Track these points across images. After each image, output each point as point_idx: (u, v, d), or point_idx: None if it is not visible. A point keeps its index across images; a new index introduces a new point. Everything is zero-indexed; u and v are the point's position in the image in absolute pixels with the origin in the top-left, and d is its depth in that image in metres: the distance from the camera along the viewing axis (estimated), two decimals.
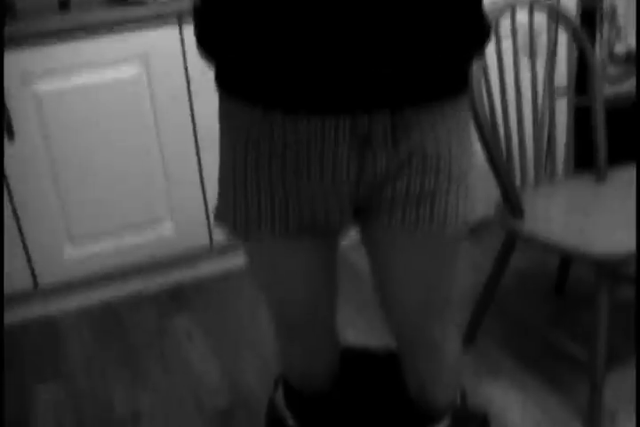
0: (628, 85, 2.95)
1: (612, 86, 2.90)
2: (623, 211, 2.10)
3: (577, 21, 2.23)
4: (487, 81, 2.06)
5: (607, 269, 1.98)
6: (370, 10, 1.14)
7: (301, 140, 1.26)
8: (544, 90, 2.31)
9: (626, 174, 2.30)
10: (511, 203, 2.07)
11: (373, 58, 1.17)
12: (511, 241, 2.20)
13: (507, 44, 2.13)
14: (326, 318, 1.63)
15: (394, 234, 1.38)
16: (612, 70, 2.85)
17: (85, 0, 2.61)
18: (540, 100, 2.30)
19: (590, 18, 2.79)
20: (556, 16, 2.20)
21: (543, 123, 2.32)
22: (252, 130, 1.30)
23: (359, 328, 2.45)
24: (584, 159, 2.35)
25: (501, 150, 2.08)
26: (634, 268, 2.29)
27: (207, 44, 1.29)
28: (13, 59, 2.23)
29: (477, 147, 1.91)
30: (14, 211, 2.41)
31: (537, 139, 2.25)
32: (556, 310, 2.54)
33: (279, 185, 1.32)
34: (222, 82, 1.32)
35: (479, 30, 1.31)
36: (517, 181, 2.19)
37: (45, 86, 2.32)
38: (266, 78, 1.23)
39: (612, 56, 2.81)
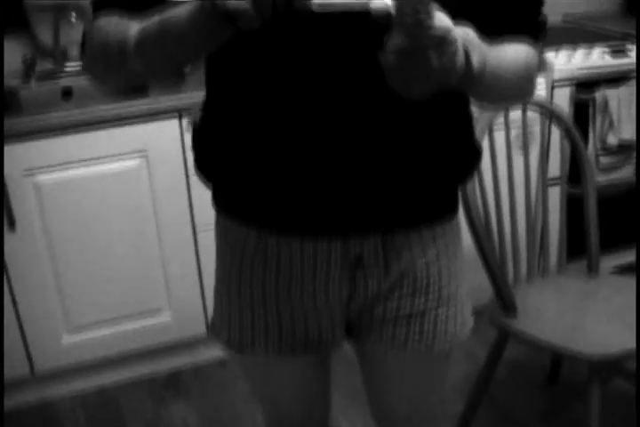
0: (621, 173, 2.99)
1: (605, 175, 2.93)
2: (616, 308, 2.12)
3: (569, 119, 2.28)
4: (479, 173, 2.10)
5: (600, 367, 2.00)
6: (362, 137, 1.18)
7: (295, 260, 1.29)
8: (537, 182, 2.35)
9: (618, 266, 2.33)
10: (504, 301, 2.09)
11: (365, 183, 1.21)
12: (504, 337, 2.22)
13: (499, 135, 2.18)
14: (321, 417, 1.65)
15: (384, 350, 1.40)
16: (605, 160, 2.90)
17: (87, 90, 2.68)
18: (533, 191, 2.35)
19: (584, 109, 2.84)
20: (548, 113, 2.25)
21: (537, 214, 2.35)
22: (247, 248, 1.33)
23: (350, 418, 2.45)
24: (578, 245, 2.37)
25: (494, 247, 2.11)
26: (632, 364, 2.30)
27: (204, 168, 1.34)
28: (16, 151, 2.27)
29: (468, 235, 1.96)
30: (13, 299, 2.43)
31: (530, 231, 2.28)
32: (550, 402, 2.55)
33: (272, 304, 1.35)
34: (219, 203, 1.36)
35: (470, 154, 1.35)
36: (510, 275, 2.22)
37: (46, 178, 2.36)
38: (260, 201, 1.27)
39: (604, 146, 2.86)
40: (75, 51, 2.77)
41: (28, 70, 2.71)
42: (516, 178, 2.24)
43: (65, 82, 2.74)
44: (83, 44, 1.24)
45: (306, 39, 1.09)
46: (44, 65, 2.78)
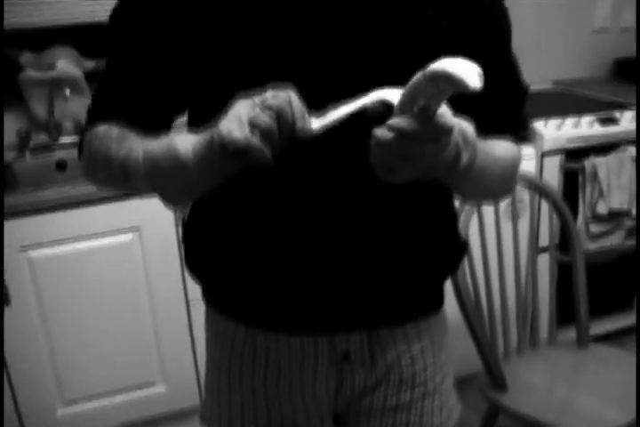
0: (611, 240, 3.01)
1: (596, 242, 2.95)
2: (606, 382, 2.13)
3: (557, 194, 2.31)
4: (468, 248, 2.12)
5: None
6: (347, 239, 1.20)
7: (283, 356, 1.31)
8: (527, 253, 2.37)
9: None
10: (494, 377, 2.10)
11: (350, 283, 1.23)
12: (495, 409, 2.22)
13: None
14: None
15: None
16: (596, 228, 2.92)
17: None
18: (522, 262, 2.36)
19: (574, 176, 2.87)
20: (537, 189, 2.27)
21: (527, 286, 2.37)
22: (237, 342, 1.35)
23: None
24: (570, 311, 2.38)
25: (484, 324, 2.13)
26: None
27: (193, 265, 1.36)
28: (10, 227, 2.29)
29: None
30: (7, 373, 2.43)
31: (520, 303, 2.30)
32: None
33: (262, 399, 1.36)
34: (208, 297, 1.38)
35: (454, 251, 1.37)
36: (501, 349, 2.24)
37: (40, 253, 2.37)
38: (247, 300, 1.29)
39: (595, 215, 2.88)
40: (69, 124, 2.81)
41: (23, 143, 2.74)
42: (505, 248, 2.26)
43: (59, 154, 2.77)
44: (80, 149, 1.26)
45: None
46: (39, 138, 2.81)
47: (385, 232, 1.22)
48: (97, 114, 1.25)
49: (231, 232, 1.26)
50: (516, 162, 1.28)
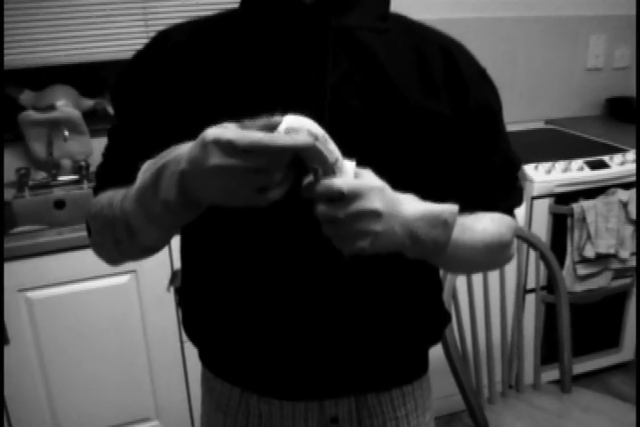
0: (598, 282, 3.06)
1: (583, 284, 3.00)
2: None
3: (545, 246, 2.35)
4: (455, 298, 2.16)
5: None
6: (334, 310, 1.26)
7: (275, 419, 1.37)
8: (514, 297, 2.41)
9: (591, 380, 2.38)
10: (477, 422, 2.14)
11: (337, 353, 1.29)
12: None
13: None
14: None
15: None
16: (583, 270, 2.97)
17: (79, 201, 2.76)
18: (509, 304, 2.41)
19: (562, 218, 2.92)
20: (525, 240, 2.32)
21: (514, 328, 2.41)
22: (231, 404, 1.41)
23: None
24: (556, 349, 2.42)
25: (470, 371, 2.17)
26: None
27: (190, 331, 1.41)
28: (9, 270, 2.33)
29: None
30: (6, 411, 2.47)
31: (505, 347, 2.34)
32: None
33: None
34: (204, 361, 1.44)
35: (438, 321, 1.42)
36: (485, 393, 2.28)
37: (38, 294, 2.42)
38: (242, 367, 1.36)
39: (582, 258, 2.93)
40: (67, 163, 2.86)
41: (22, 181, 2.78)
42: (491, 291, 2.30)
43: (58, 193, 2.82)
44: (88, 229, 1.32)
45: (277, 212, 1.13)
46: (38, 176, 2.86)
47: (369, 303, 1.27)
48: (98, 187, 1.32)
49: (222, 301, 1.31)
50: (506, 235, 1.31)
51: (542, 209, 2.93)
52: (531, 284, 2.91)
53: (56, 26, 2.82)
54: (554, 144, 3.35)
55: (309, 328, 1.26)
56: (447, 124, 1.23)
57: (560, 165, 2.95)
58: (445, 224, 1.10)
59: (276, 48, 1.20)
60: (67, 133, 2.76)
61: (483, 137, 1.28)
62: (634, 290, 3.27)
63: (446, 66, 1.25)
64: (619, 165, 3.02)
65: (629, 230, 3.02)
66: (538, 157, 3.02)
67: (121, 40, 2.93)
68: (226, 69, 1.21)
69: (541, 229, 2.95)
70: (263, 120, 0.96)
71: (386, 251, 1.05)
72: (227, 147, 0.93)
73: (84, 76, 2.98)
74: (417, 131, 1.21)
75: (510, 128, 3.38)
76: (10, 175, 2.83)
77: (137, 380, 2.64)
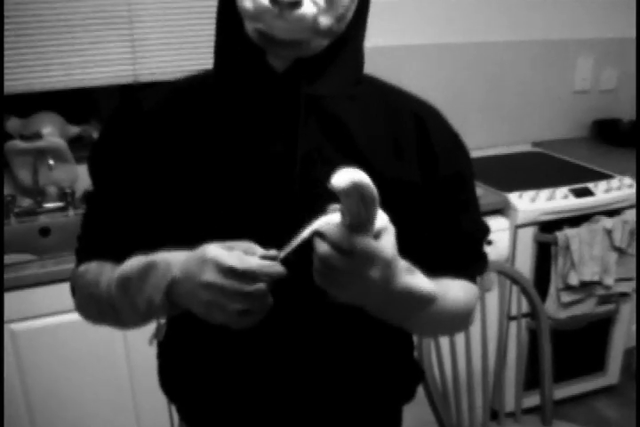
0: (582, 309, 3.07)
1: (567, 310, 3.02)
2: None
3: (527, 282, 2.36)
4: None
5: None
6: (306, 369, 1.28)
7: None
8: (497, 330, 2.42)
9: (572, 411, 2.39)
10: None
11: (310, 411, 1.31)
12: None
13: None
14: None
15: None
16: (567, 297, 2.98)
17: (65, 228, 2.77)
18: (491, 334, 2.42)
19: (547, 247, 2.93)
20: (507, 275, 2.33)
21: (499, 356, 2.42)
22: None
23: None
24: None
25: (450, 408, 2.19)
26: None
27: (166, 387, 1.43)
28: None
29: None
30: None
31: (486, 377, 2.35)
32: None
33: None
34: (181, 415, 1.45)
35: (411, 379, 1.44)
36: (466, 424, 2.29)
37: (21, 326, 2.42)
38: (216, 423, 1.36)
39: (566, 285, 2.94)
40: (53, 190, 2.87)
41: (8, 208, 2.79)
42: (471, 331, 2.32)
43: (43, 220, 2.82)
44: (72, 290, 1.35)
45: None
46: (24, 202, 2.86)
47: (342, 363, 1.30)
48: (81, 253, 1.37)
49: (201, 358, 1.34)
50: (470, 303, 1.34)
51: (526, 237, 2.94)
52: (513, 311, 2.92)
53: (43, 52, 2.82)
54: (539, 169, 3.36)
55: (279, 384, 1.29)
56: (417, 193, 1.25)
57: (544, 193, 2.96)
58: (422, 308, 1.13)
59: (247, 115, 1.22)
60: (52, 162, 2.76)
61: (452, 204, 1.30)
62: (618, 316, 3.28)
63: (418, 134, 1.26)
64: (603, 193, 3.03)
65: (613, 257, 3.03)
66: (523, 184, 3.03)
67: (108, 66, 2.93)
68: (198, 136, 1.23)
69: (525, 257, 2.96)
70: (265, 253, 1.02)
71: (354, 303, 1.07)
72: (225, 269, 0.97)
73: (70, 102, 2.99)
74: (387, 200, 1.22)
75: (497, 151, 3.44)
76: None
77: (121, 411, 2.64)
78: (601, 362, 3.38)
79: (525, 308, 2.41)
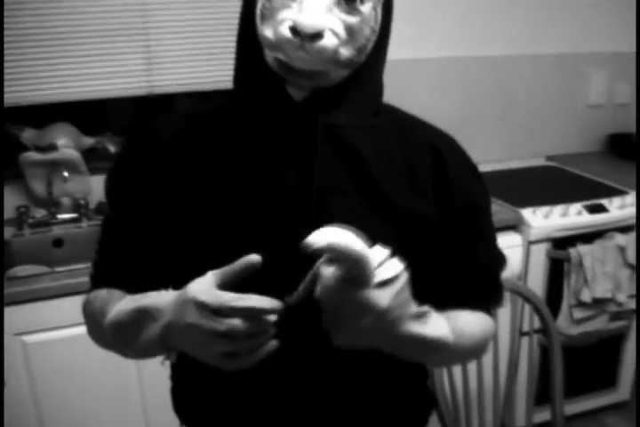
0: (594, 325, 3.06)
1: (578, 327, 3.01)
2: None
3: (540, 301, 2.35)
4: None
5: None
6: (319, 397, 1.27)
7: None
8: (508, 343, 2.42)
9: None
10: None
11: None
12: None
13: None
14: None
15: None
16: (579, 313, 2.97)
17: (78, 239, 2.78)
18: (502, 349, 2.41)
19: (560, 264, 2.92)
20: (519, 293, 2.32)
21: (509, 372, 2.41)
22: None
23: None
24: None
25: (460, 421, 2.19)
26: None
27: (178, 409, 1.43)
28: (5, 313, 2.35)
29: None
30: None
31: (497, 392, 2.34)
32: None
33: None
34: None
35: (424, 405, 1.44)
36: None
37: (33, 338, 2.43)
38: None
39: (578, 302, 2.93)
40: (67, 201, 2.88)
41: (22, 219, 2.80)
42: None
43: (57, 231, 2.83)
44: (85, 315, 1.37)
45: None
46: (37, 213, 2.87)
47: (355, 391, 1.29)
48: (94, 279, 1.39)
49: (215, 381, 1.33)
50: (487, 338, 1.34)
51: (539, 253, 2.93)
52: (525, 327, 2.91)
53: (58, 64, 2.83)
54: (553, 184, 3.35)
55: (296, 414, 1.28)
56: (433, 225, 1.25)
57: (558, 209, 2.95)
58: (434, 353, 1.13)
59: (264, 143, 1.22)
60: (66, 174, 2.78)
61: (468, 235, 1.30)
62: (630, 332, 3.27)
63: (434, 166, 1.26)
64: (617, 209, 3.02)
65: (626, 274, 3.02)
66: (536, 200, 3.02)
67: (123, 78, 2.94)
68: (214, 164, 1.23)
69: (538, 273, 2.96)
70: (241, 264, 1.01)
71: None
72: (200, 307, 0.97)
73: (85, 113, 3.00)
74: (403, 232, 1.22)
75: (510, 164, 3.43)
76: (9, 213, 2.84)
77: (131, 422, 2.65)
78: (612, 378, 3.36)
79: (537, 323, 2.40)
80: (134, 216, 1.29)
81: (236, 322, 0.99)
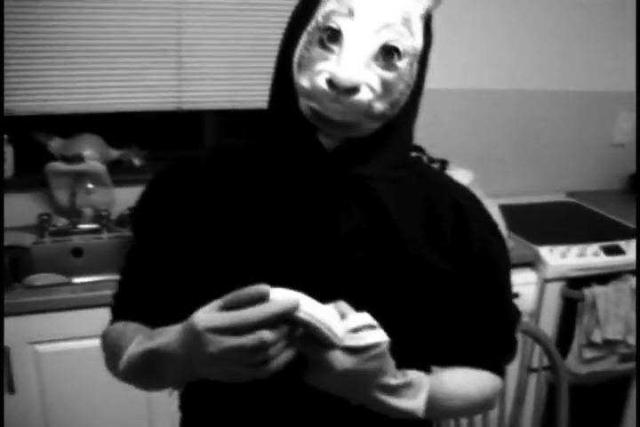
0: (604, 365, 3.06)
1: (588, 366, 3.01)
2: None
3: (550, 342, 2.35)
4: None
5: None
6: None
7: None
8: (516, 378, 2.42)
9: None
10: None
11: None
12: None
13: None
14: None
15: None
16: (589, 353, 2.97)
17: (97, 250, 2.81)
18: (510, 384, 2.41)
19: (573, 303, 2.93)
20: (530, 334, 2.33)
21: (514, 409, 2.41)
22: None
23: None
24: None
25: None
26: None
27: None
28: (21, 324, 2.38)
29: None
30: None
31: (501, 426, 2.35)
32: None
33: None
34: None
35: None
36: None
37: (46, 347, 2.46)
38: None
39: (589, 341, 2.93)
40: (89, 211, 2.91)
41: (43, 226, 2.83)
42: None
43: (77, 241, 2.86)
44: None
45: None
46: (59, 221, 2.90)
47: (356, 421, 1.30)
48: (115, 311, 1.40)
49: (225, 411, 1.34)
50: (485, 397, 1.36)
51: (554, 292, 2.94)
52: (534, 363, 2.91)
53: (90, 75, 2.86)
54: (572, 221, 3.36)
55: None
56: (450, 280, 1.26)
57: (575, 249, 2.96)
58: (406, 418, 1.15)
59: (292, 189, 1.24)
60: (90, 186, 2.81)
61: (484, 294, 1.32)
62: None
63: (455, 222, 1.28)
64: (634, 252, 3.02)
65: None
66: (554, 238, 3.04)
67: (153, 92, 2.97)
68: (241, 205, 1.25)
69: (551, 311, 2.96)
70: (246, 295, 1.01)
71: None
72: (217, 331, 0.98)
73: (113, 125, 3.03)
74: (420, 285, 1.24)
75: (530, 199, 3.44)
76: (32, 220, 2.88)
77: None
78: (618, 419, 3.36)
79: (546, 361, 2.41)
80: (159, 250, 1.31)
81: (262, 333, 0.99)
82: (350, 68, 1.08)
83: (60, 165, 2.79)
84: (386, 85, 1.12)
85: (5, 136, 2.81)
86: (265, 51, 2.96)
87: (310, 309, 1.02)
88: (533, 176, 3.63)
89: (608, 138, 3.74)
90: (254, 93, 3.04)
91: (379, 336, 1.07)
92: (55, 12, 2.74)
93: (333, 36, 1.11)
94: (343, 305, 1.09)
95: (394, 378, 1.12)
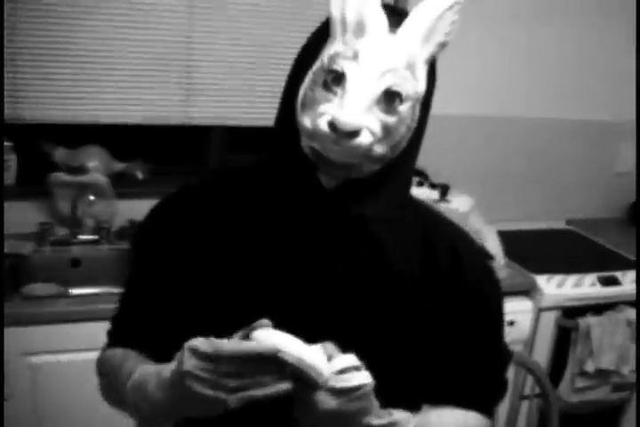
0: (596, 395, 3.07)
1: (579, 395, 3.02)
2: None
3: (542, 373, 2.36)
4: None
5: None
6: None
7: None
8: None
9: None
10: None
11: None
12: None
13: None
14: None
15: None
16: (581, 382, 2.98)
17: (96, 261, 2.82)
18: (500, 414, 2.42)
19: (567, 331, 2.93)
20: (523, 365, 2.34)
21: None
22: None
23: None
24: None
25: None
26: None
27: None
28: (16, 335, 2.38)
29: None
30: None
31: None
32: None
33: None
34: None
35: None
36: None
37: (41, 359, 2.46)
38: None
39: (581, 370, 2.94)
40: (90, 222, 2.92)
41: (44, 235, 2.84)
42: None
43: (76, 251, 2.87)
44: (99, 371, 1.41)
45: None
46: (59, 231, 2.91)
47: None
48: (111, 336, 1.42)
49: None
50: None
51: (549, 320, 2.95)
52: (526, 390, 2.92)
53: (97, 86, 2.88)
54: (569, 250, 3.38)
55: None
56: (443, 321, 1.27)
57: (572, 279, 2.97)
58: None
59: (289, 226, 1.25)
60: (92, 198, 2.83)
61: (476, 334, 1.33)
62: (630, 405, 3.27)
63: (451, 265, 1.29)
64: (630, 283, 3.03)
65: (633, 348, 3.03)
66: (551, 267, 3.05)
67: (161, 106, 2.98)
68: (240, 236, 1.26)
69: (545, 339, 2.97)
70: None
71: None
72: (195, 353, 1.03)
73: (118, 138, 3.04)
74: (412, 325, 1.25)
75: (529, 225, 3.45)
76: (32, 228, 2.88)
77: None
78: None
79: (539, 389, 2.42)
80: (158, 279, 1.31)
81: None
82: (352, 112, 1.09)
83: (63, 176, 2.80)
84: (387, 129, 1.13)
85: (10, 144, 2.82)
86: (273, 69, 2.98)
87: (297, 350, 1.04)
88: (533, 203, 3.64)
89: (610, 166, 3.76)
90: (260, 112, 3.06)
91: (363, 378, 1.08)
92: (68, 23, 2.76)
93: (337, 78, 1.11)
94: (330, 347, 1.10)
95: (378, 418, 1.13)
